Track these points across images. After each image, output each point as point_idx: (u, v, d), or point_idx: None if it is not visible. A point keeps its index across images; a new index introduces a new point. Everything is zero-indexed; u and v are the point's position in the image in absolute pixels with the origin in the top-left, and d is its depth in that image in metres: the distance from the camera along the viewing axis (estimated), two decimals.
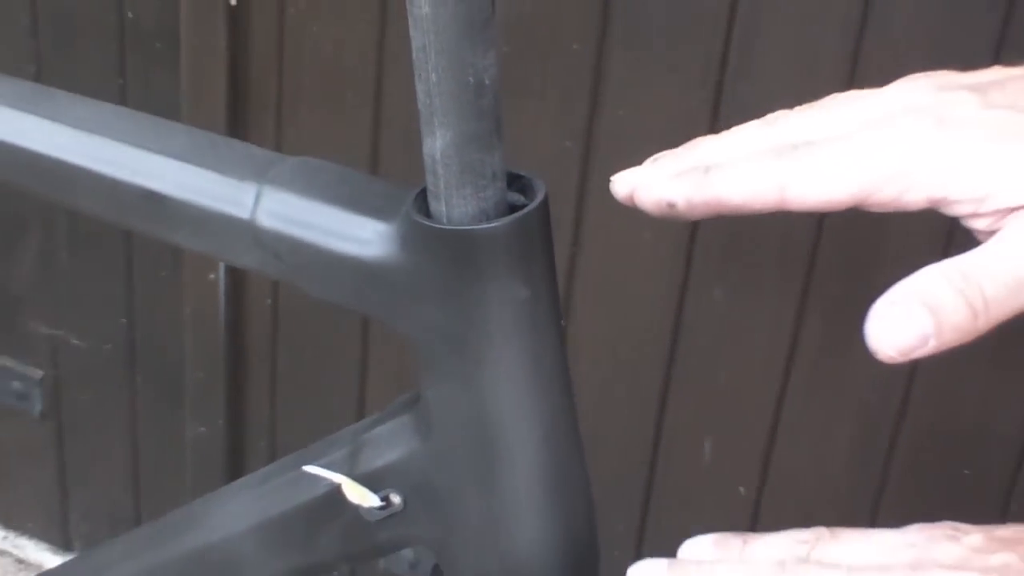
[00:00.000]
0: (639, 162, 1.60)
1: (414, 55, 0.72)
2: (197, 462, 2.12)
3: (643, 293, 1.68)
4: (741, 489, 1.73)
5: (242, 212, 0.81)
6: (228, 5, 1.76)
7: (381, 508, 0.83)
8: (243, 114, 1.84)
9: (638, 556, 1.90)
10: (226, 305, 1.96)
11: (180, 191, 0.84)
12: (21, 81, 0.93)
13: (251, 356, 2.03)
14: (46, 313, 2.16)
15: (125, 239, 2.01)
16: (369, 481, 0.83)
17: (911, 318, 0.64)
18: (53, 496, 2.35)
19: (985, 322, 0.65)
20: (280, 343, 2.00)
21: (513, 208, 0.74)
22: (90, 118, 0.89)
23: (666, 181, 0.76)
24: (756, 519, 1.76)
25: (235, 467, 2.13)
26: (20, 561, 2.44)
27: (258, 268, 0.83)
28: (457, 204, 0.73)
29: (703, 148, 0.79)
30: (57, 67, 1.96)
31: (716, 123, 1.58)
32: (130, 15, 1.86)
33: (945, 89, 0.72)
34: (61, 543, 2.40)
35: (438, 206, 0.74)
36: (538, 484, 0.80)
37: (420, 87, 0.72)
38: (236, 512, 0.92)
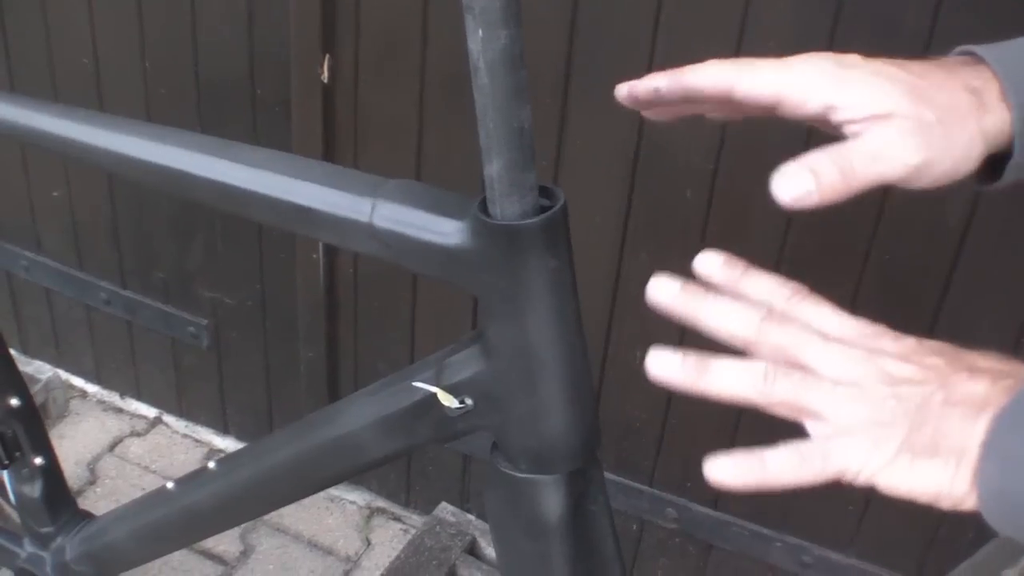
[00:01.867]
0: (593, 173, 1.60)
1: (478, 111, 0.71)
2: (307, 375, 2.11)
3: (593, 256, 1.66)
4: None
5: (363, 217, 0.79)
6: (322, 82, 1.74)
7: (459, 407, 0.81)
8: (332, 153, 1.83)
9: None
10: (324, 274, 1.95)
11: (321, 204, 0.81)
12: (212, 137, 0.91)
13: (341, 306, 2.01)
14: (208, 282, 2.15)
15: (258, 235, 1.99)
16: (452, 390, 0.82)
17: (799, 177, 0.65)
18: (216, 399, 2.35)
19: (851, 183, 0.66)
20: (360, 297, 1.98)
21: (543, 208, 0.74)
22: (258, 159, 0.86)
23: (652, 79, 0.76)
24: (669, 399, 1.74)
25: (332, 379, 2.11)
26: (197, 441, 2.43)
27: (374, 254, 0.80)
28: (507, 207, 0.73)
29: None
30: (213, 127, 1.93)
31: (640, 145, 1.55)
32: (258, 92, 1.84)
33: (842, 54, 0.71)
34: (222, 429, 2.40)
35: (495, 208, 0.73)
36: (561, 389, 0.79)
37: (482, 131, 0.71)
38: (360, 413, 0.90)
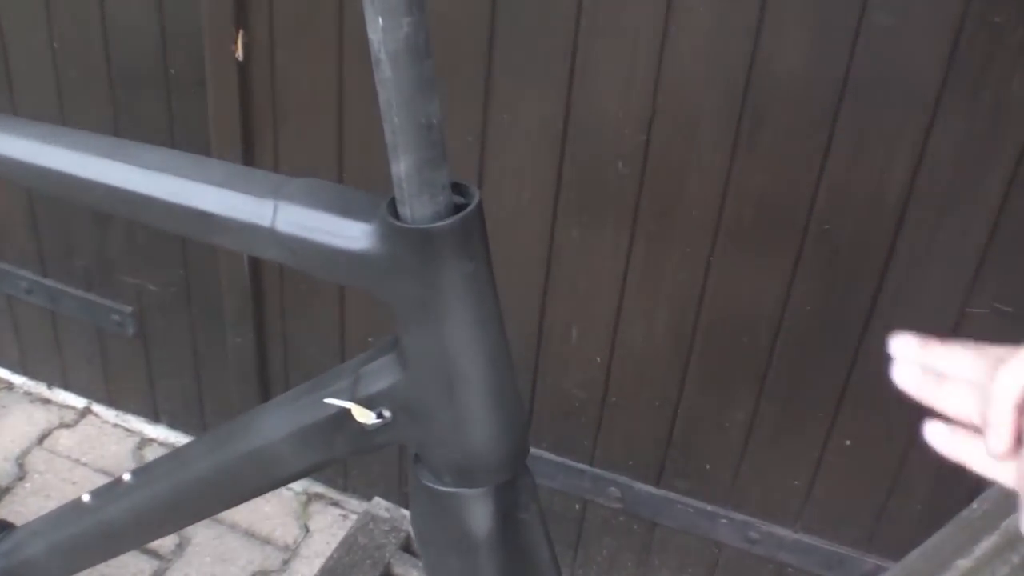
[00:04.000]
0: (521, 147, 1.55)
1: (381, 106, 0.66)
2: (236, 361, 2.06)
3: (523, 233, 1.61)
4: (597, 358, 1.67)
5: (264, 221, 0.74)
6: (236, 60, 1.67)
7: (376, 422, 0.76)
8: (250, 132, 1.76)
9: (532, 405, 1.83)
10: (248, 257, 1.90)
11: (219, 208, 0.76)
12: (104, 136, 0.84)
13: (267, 291, 1.96)
14: (131, 268, 2.08)
15: None
16: (368, 402, 0.77)
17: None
18: (145, 387, 2.28)
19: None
20: (286, 280, 1.92)
21: (458, 207, 0.69)
22: (153, 160, 0.81)
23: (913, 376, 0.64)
24: (608, 377, 1.70)
25: (262, 365, 2.06)
26: (128, 431, 2.37)
27: (277, 260, 0.75)
28: (418, 208, 0.68)
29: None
30: (128, 110, 1.86)
31: (569, 117, 1.50)
32: (172, 71, 1.77)
33: None
34: (153, 418, 2.34)
35: (404, 210, 0.68)
36: (484, 399, 0.74)
37: (387, 127, 0.66)
38: (275, 425, 0.85)
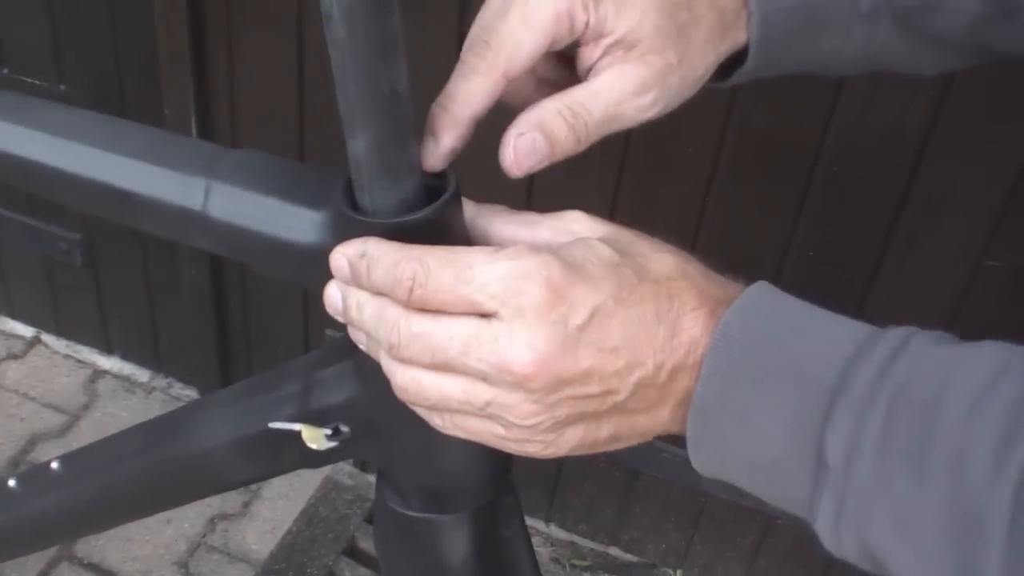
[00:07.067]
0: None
1: (334, 72, 0.52)
2: (192, 294, 1.94)
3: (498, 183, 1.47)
4: None
5: (194, 205, 0.61)
6: None
7: (332, 442, 0.64)
8: (202, 48, 1.62)
9: None
10: None
11: (141, 187, 0.62)
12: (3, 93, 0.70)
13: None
14: None
15: None
16: (321, 416, 0.65)
17: (535, 146, 0.57)
18: (96, 317, 2.17)
19: (584, 145, 0.58)
20: None
21: (430, 193, 0.55)
22: (62, 123, 0.67)
23: (436, 141, 0.57)
24: None
25: (218, 298, 1.94)
26: (80, 362, 2.25)
27: (212, 250, 0.62)
28: (380, 196, 0.54)
29: None
30: (67, 9, 1.72)
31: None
32: None
33: None
34: (106, 349, 2.23)
35: (363, 197, 0.55)
36: None
37: (341, 98, 0.53)
38: (215, 430, 0.72)
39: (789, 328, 0.51)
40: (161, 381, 2.18)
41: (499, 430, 0.53)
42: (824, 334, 0.50)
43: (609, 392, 0.52)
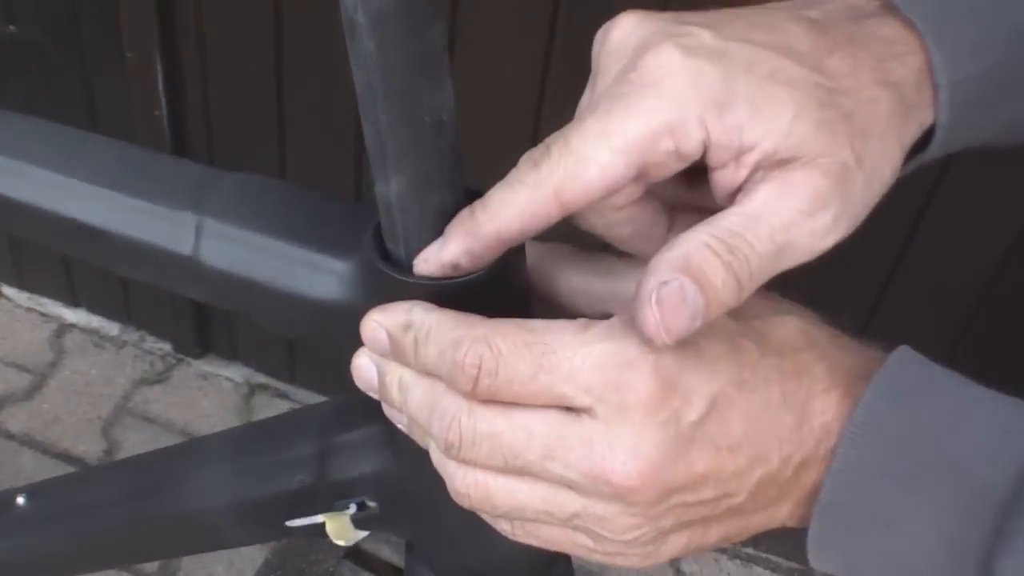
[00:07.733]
0: (503, 12, 1.29)
1: (359, 95, 0.40)
2: None
3: (503, 117, 1.36)
4: None
5: (183, 248, 0.49)
6: None
7: (357, 511, 0.53)
8: (171, 37, 1.50)
9: None
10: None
11: (113, 224, 0.50)
12: None
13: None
14: None
15: None
16: (342, 488, 0.54)
17: (685, 297, 0.38)
18: (60, 268, 2.06)
19: (747, 292, 0.40)
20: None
21: None
22: (13, 139, 0.54)
23: (442, 245, 0.42)
24: None
25: None
26: (44, 315, 2.13)
27: (205, 301, 0.50)
28: (419, 248, 0.42)
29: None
30: None
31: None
32: None
33: (678, 22, 0.42)
34: (71, 302, 2.12)
35: (397, 248, 0.43)
36: None
37: (368, 129, 0.41)
38: (212, 488, 0.61)
39: (945, 412, 0.40)
40: (132, 334, 2.07)
41: (586, 541, 0.42)
42: (992, 425, 0.40)
43: (726, 495, 0.41)
